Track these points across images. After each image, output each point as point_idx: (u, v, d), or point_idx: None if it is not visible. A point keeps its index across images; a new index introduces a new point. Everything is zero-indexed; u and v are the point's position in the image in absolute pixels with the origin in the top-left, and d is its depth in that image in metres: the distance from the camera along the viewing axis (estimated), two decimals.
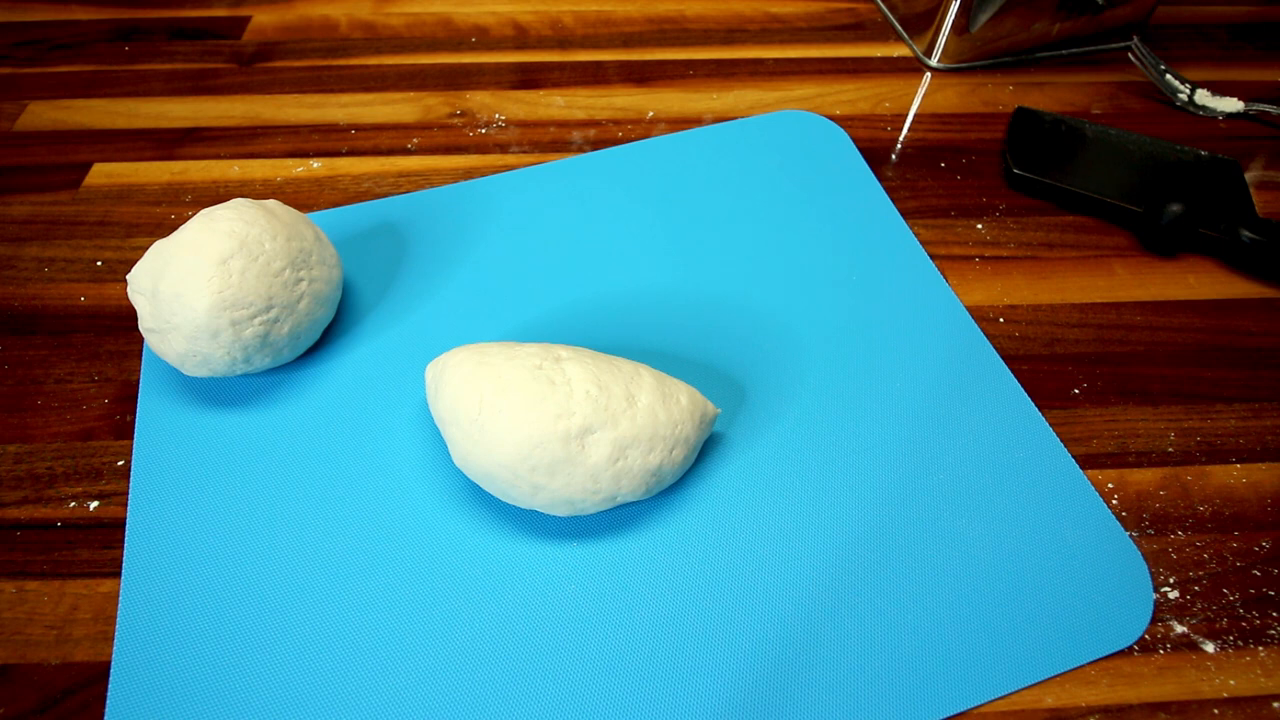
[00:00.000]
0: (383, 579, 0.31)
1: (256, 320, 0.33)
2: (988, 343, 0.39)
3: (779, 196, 0.46)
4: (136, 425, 0.36)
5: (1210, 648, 0.30)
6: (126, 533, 0.32)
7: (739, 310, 0.40)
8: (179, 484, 0.34)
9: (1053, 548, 0.32)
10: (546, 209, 0.45)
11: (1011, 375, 0.38)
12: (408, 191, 0.46)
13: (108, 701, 0.28)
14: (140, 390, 0.37)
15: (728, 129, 0.50)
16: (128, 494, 0.34)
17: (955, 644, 0.30)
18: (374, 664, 0.29)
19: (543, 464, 0.29)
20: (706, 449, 0.35)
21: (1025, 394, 0.37)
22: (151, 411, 0.36)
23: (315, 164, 0.48)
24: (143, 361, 0.38)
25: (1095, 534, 0.33)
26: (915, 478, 0.34)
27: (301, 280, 0.35)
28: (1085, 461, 0.35)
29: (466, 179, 0.47)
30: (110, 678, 0.29)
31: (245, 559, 0.32)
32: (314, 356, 0.38)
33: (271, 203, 0.37)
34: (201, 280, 0.32)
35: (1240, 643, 0.31)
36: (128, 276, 0.35)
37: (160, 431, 0.35)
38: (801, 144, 0.49)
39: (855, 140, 0.50)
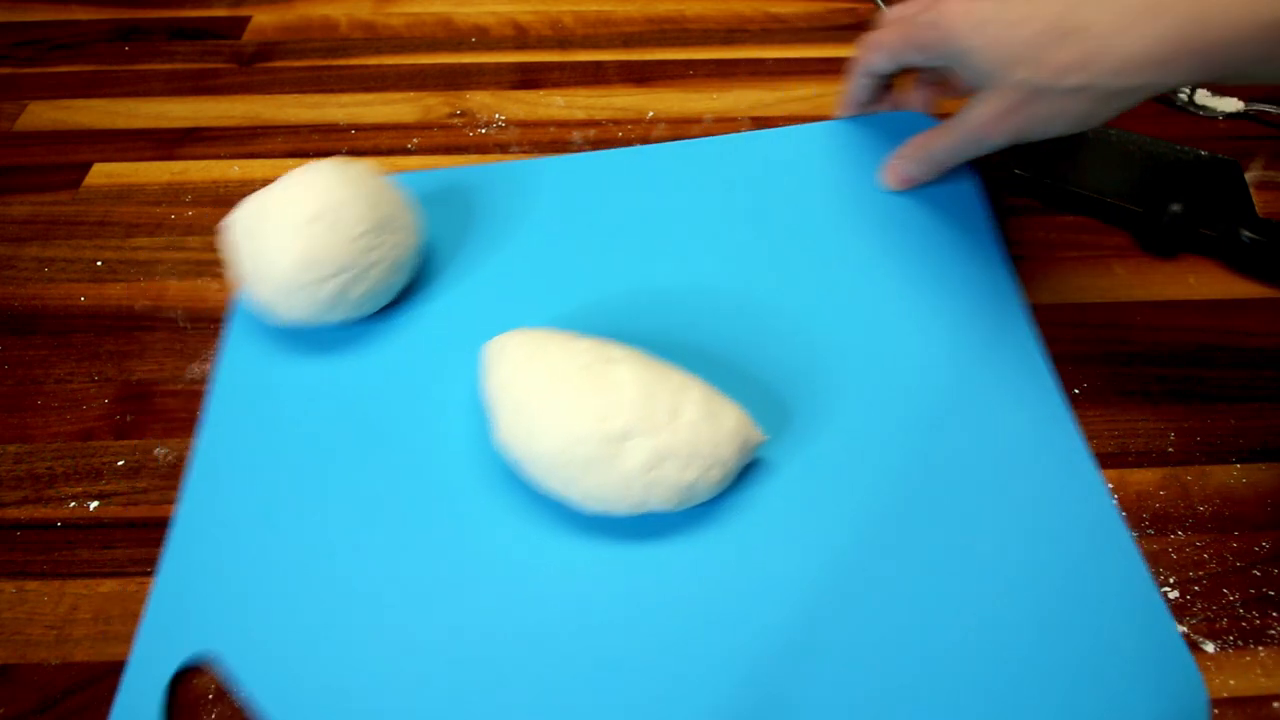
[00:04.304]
0: (409, 535, 0.32)
1: (333, 280, 0.35)
2: (1071, 422, 0.36)
3: (870, 209, 0.43)
4: (219, 356, 0.38)
5: (1210, 648, 0.30)
6: (193, 453, 0.35)
7: (804, 327, 0.38)
8: (247, 417, 0.36)
9: (1092, 620, 0.30)
10: (630, 195, 0.44)
11: (1077, 434, 0.35)
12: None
13: (144, 616, 0.30)
14: (231, 324, 0.39)
15: (833, 129, 0.46)
16: (128, 494, 0.34)
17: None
18: (385, 614, 0.31)
19: (578, 460, 0.30)
20: (746, 468, 0.34)
21: (1088, 452, 0.35)
22: (237, 345, 0.38)
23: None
24: (235, 302, 0.40)
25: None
26: (956, 545, 0.32)
27: (380, 245, 0.36)
28: None
29: None
30: (154, 587, 0.31)
31: (293, 489, 0.34)
32: (385, 315, 0.39)
33: (361, 166, 0.37)
34: (287, 238, 0.34)
35: (1240, 643, 0.31)
36: (224, 222, 0.37)
37: (238, 368, 0.38)
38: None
39: None
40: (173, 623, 0.30)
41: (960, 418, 0.35)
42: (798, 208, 0.43)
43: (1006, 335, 0.38)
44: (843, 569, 0.32)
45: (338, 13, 0.59)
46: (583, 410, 0.30)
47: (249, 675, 0.29)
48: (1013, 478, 0.34)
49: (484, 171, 0.45)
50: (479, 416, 0.35)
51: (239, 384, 0.37)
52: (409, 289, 0.40)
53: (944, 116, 0.40)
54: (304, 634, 0.30)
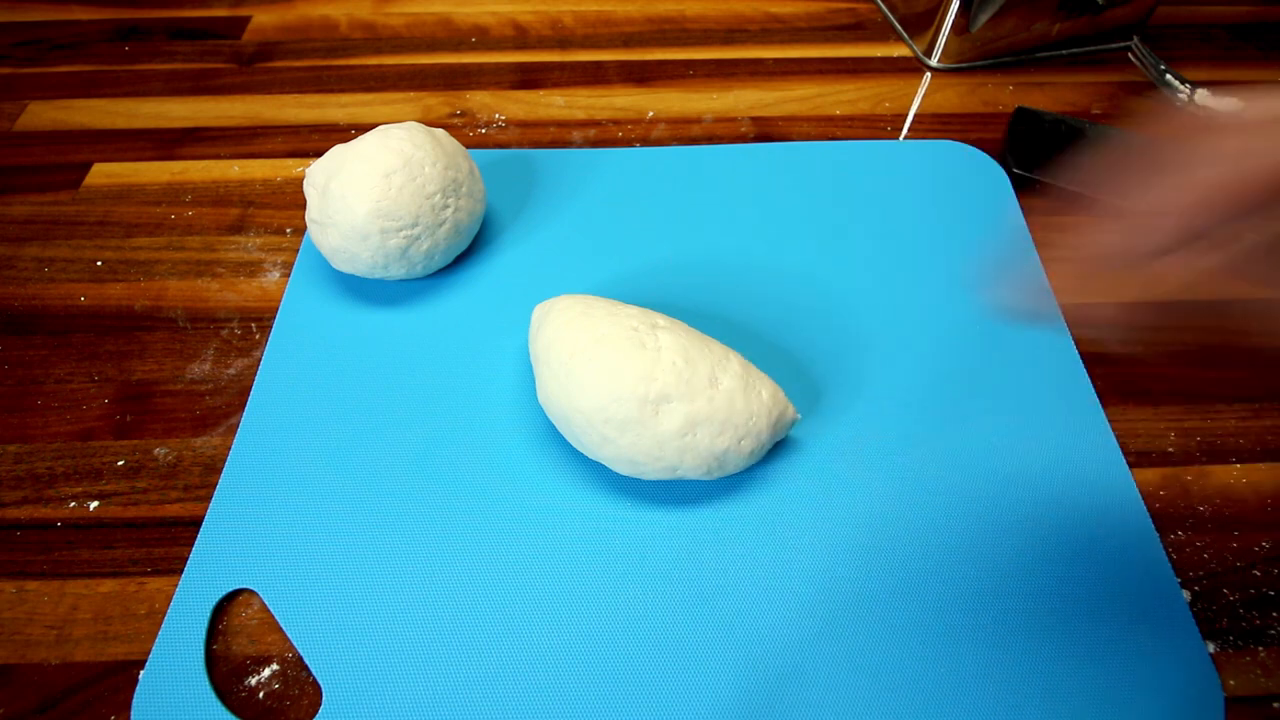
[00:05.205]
0: (446, 486, 0.34)
1: (402, 233, 0.37)
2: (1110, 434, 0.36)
3: (919, 223, 0.44)
4: (283, 300, 0.40)
5: (1210, 648, 0.30)
6: (254, 386, 0.37)
7: (843, 315, 0.40)
8: (301, 361, 0.38)
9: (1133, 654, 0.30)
10: (683, 186, 0.46)
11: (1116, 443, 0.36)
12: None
13: (202, 528, 0.32)
14: (294, 271, 0.42)
15: (885, 148, 0.48)
16: (128, 494, 0.34)
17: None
18: (415, 558, 0.32)
19: (615, 419, 0.30)
20: (776, 448, 0.35)
21: (1118, 447, 0.35)
22: (298, 292, 0.41)
23: None
24: (300, 250, 0.43)
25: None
26: (980, 537, 0.32)
27: (448, 207, 0.38)
28: None
29: None
30: (207, 517, 0.33)
31: (338, 435, 0.36)
32: (443, 277, 0.41)
33: (439, 132, 0.40)
34: (365, 188, 0.36)
35: (1240, 643, 0.31)
36: (307, 170, 0.39)
37: (300, 311, 0.40)
38: (957, 178, 0.47)
39: (855, 140, 0.50)
40: (219, 555, 0.32)
41: (992, 412, 0.36)
42: (850, 211, 0.45)
43: (1041, 333, 0.39)
44: (866, 552, 0.32)
45: (338, 13, 0.59)
46: (624, 371, 0.31)
47: (285, 610, 0.30)
48: (1043, 471, 0.34)
49: (544, 155, 0.47)
50: (524, 377, 0.37)
51: (297, 330, 0.39)
52: (463, 256, 0.42)
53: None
54: (339, 572, 0.32)
